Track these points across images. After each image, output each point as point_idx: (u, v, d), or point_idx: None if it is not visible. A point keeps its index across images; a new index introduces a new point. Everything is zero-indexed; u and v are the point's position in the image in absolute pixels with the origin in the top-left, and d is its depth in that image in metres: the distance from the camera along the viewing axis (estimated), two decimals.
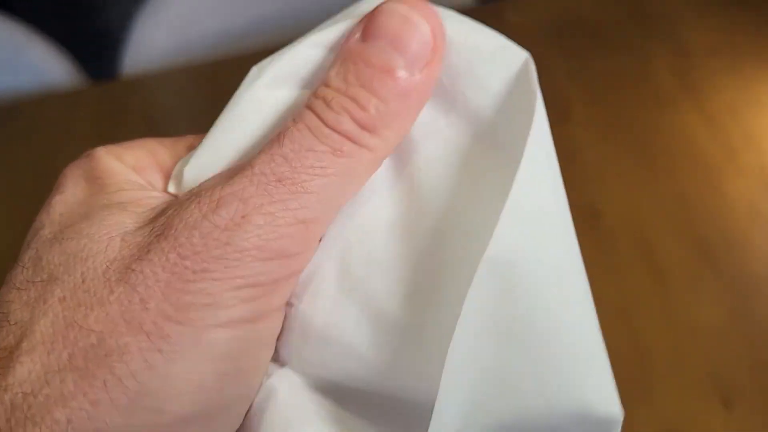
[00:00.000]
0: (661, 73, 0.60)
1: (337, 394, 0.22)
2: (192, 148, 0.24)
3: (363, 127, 0.20)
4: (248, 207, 0.19)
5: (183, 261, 0.18)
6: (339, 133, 0.20)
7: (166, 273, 0.18)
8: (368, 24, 0.21)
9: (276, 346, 0.22)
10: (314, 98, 0.21)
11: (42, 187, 0.26)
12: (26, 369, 0.17)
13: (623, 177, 0.56)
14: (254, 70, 0.24)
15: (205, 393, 0.18)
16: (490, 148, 0.23)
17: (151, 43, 0.65)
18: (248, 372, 0.20)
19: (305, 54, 0.23)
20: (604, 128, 0.59)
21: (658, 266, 0.51)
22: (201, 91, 0.63)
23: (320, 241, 0.22)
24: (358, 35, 0.21)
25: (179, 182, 0.23)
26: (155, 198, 0.22)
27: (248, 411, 0.22)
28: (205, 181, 0.21)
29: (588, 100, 0.60)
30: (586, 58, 0.63)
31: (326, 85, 0.21)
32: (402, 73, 0.20)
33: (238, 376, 0.19)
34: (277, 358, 0.22)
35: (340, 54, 0.21)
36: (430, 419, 0.19)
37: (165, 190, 0.24)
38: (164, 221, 0.19)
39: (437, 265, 0.22)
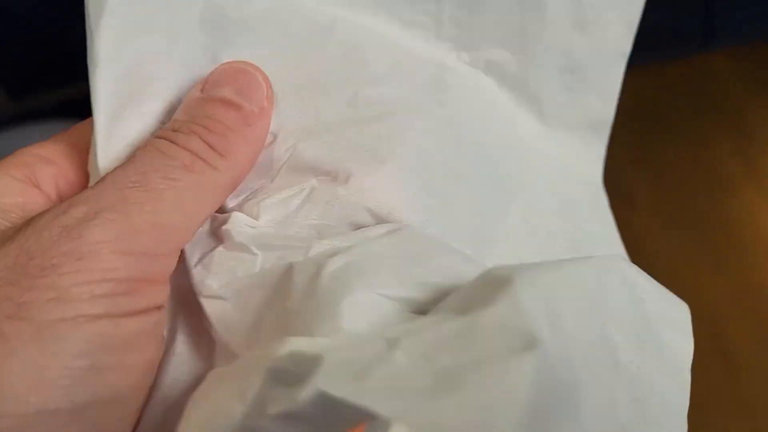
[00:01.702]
0: (725, 157, 0.59)
1: None
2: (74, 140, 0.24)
3: (212, 147, 0.21)
4: (101, 205, 0.19)
5: (30, 260, 0.18)
6: (189, 150, 0.21)
7: (8, 272, 0.18)
8: (207, 78, 0.23)
9: None
10: (162, 130, 0.22)
11: None
12: None
13: (691, 266, 0.54)
14: None
15: (59, 390, 0.18)
16: None
17: None
18: (117, 369, 0.19)
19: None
20: (670, 215, 0.58)
21: (733, 360, 0.48)
22: None
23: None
24: (199, 89, 0.23)
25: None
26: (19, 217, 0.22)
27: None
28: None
29: (653, 188, 0.59)
30: (650, 145, 0.62)
31: (173, 121, 0.22)
32: (245, 105, 0.22)
33: (103, 372, 0.18)
34: None
35: (184, 102, 0.23)
36: None
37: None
38: (17, 228, 0.20)
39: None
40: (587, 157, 0.34)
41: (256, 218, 0.24)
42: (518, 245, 0.28)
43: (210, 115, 0.22)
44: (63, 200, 0.21)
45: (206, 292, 0.23)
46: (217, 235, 0.24)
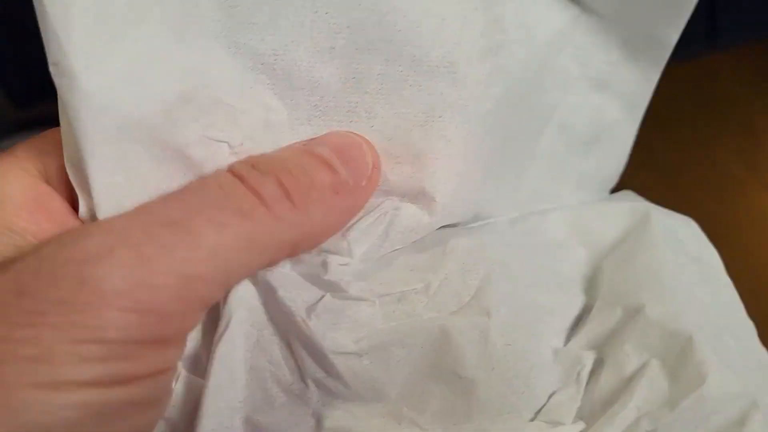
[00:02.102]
0: (730, 158, 0.59)
1: None
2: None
3: (286, 193, 0.18)
4: (121, 241, 0.15)
5: (18, 298, 0.14)
6: (256, 193, 0.18)
7: None
8: (315, 137, 0.21)
9: None
10: (238, 162, 0.19)
11: None
12: None
13: None
14: None
15: None
16: None
17: None
18: None
19: None
20: None
21: None
22: None
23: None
24: (301, 142, 0.21)
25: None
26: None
27: None
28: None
29: (657, 190, 0.59)
30: (654, 147, 0.62)
31: (256, 156, 0.19)
32: (341, 173, 0.20)
33: None
34: None
35: (282, 148, 0.20)
36: None
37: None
38: (23, 253, 0.16)
39: None
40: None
41: (349, 255, 0.22)
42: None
43: (300, 164, 0.19)
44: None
45: (337, 348, 0.21)
46: (313, 280, 0.22)
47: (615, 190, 0.57)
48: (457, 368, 0.22)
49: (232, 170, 0.19)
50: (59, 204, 0.19)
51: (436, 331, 0.22)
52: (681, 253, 0.28)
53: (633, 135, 0.32)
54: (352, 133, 0.21)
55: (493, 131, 0.25)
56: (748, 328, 0.27)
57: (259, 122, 0.21)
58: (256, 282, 0.21)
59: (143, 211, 0.17)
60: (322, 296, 0.21)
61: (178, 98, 0.20)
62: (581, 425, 0.23)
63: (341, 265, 0.22)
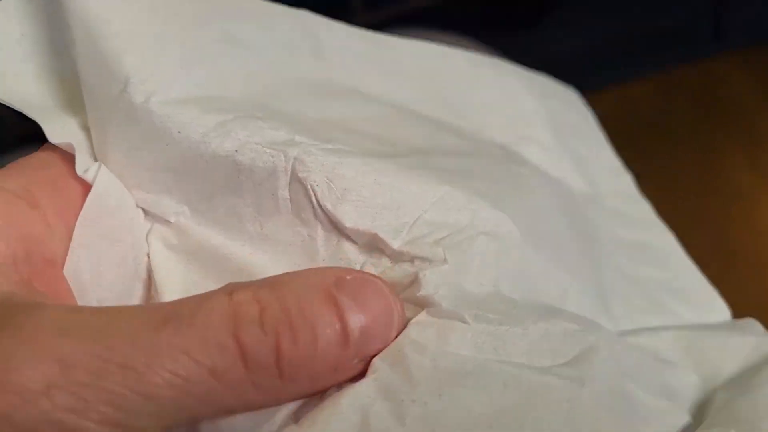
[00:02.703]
0: (735, 164, 0.58)
1: None
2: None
3: (277, 361, 0.16)
4: (60, 379, 0.15)
5: None
6: (244, 349, 0.16)
7: None
8: (354, 284, 0.17)
9: None
10: (242, 290, 0.17)
11: None
12: None
13: (704, 275, 0.53)
14: None
15: None
16: None
17: None
18: None
19: None
20: (680, 225, 0.56)
21: None
22: None
23: None
24: (332, 276, 0.17)
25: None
26: None
27: None
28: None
29: (661, 197, 0.58)
30: (656, 154, 0.61)
31: (266, 288, 0.17)
32: (350, 349, 0.17)
33: None
34: None
35: (313, 274, 0.18)
36: None
37: None
38: None
39: None
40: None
41: (443, 262, 0.20)
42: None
43: (311, 316, 0.16)
44: (69, 229, 0.19)
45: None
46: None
47: None
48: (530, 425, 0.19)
49: (234, 302, 0.16)
50: (43, 228, 0.19)
51: (521, 380, 0.19)
52: None
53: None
54: (392, 295, 0.18)
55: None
56: None
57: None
58: None
59: (103, 338, 0.15)
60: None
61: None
62: None
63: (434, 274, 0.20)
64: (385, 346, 0.17)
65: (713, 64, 0.66)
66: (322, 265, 0.20)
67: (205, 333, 0.15)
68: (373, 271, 0.20)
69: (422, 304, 0.19)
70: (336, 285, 0.17)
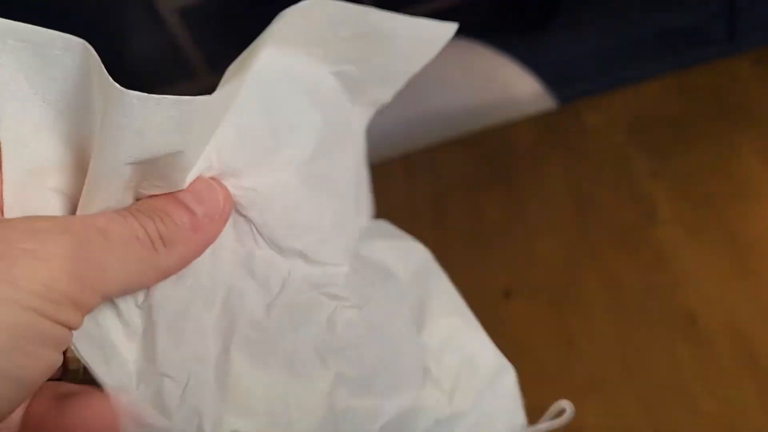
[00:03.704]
0: (750, 164, 0.57)
1: None
2: None
3: (160, 236, 0.26)
4: (68, 227, 0.23)
5: None
6: (143, 228, 0.25)
7: None
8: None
9: None
10: (132, 206, 0.26)
11: None
12: None
13: (718, 277, 0.53)
14: None
15: None
16: None
17: None
18: (38, 360, 0.22)
19: None
20: (694, 226, 0.56)
21: (764, 374, 0.47)
22: None
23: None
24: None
25: None
26: None
27: None
28: None
29: (674, 198, 0.58)
30: (670, 154, 0.61)
31: (144, 202, 0.27)
32: (197, 215, 0.27)
33: (28, 359, 0.22)
34: None
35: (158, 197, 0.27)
36: None
37: None
38: None
39: None
40: None
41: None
42: None
43: (168, 211, 0.26)
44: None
45: None
46: None
47: (627, 201, 0.56)
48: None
49: (133, 209, 0.26)
50: None
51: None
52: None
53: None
54: (208, 178, 0.28)
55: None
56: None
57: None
58: None
59: (82, 214, 0.25)
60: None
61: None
62: (448, 395, 0.33)
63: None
64: (218, 203, 0.27)
65: (728, 64, 0.65)
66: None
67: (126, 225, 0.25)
68: None
69: None
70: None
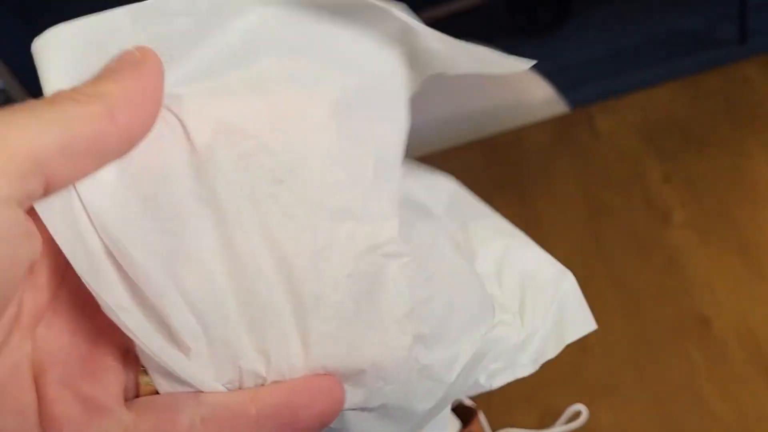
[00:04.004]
0: (761, 167, 0.57)
1: None
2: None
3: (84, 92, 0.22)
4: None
5: None
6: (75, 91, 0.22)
7: None
8: None
9: None
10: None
11: None
12: None
13: (731, 281, 0.53)
14: None
15: None
16: None
17: None
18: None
19: None
20: (706, 230, 0.56)
21: None
22: None
23: None
24: None
25: None
26: None
27: None
28: None
29: (686, 202, 0.58)
30: (681, 158, 0.61)
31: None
32: (113, 70, 0.24)
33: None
34: None
35: None
36: None
37: None
38: None
39: None
40: None
41: None
42: None
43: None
44: None
45: None
46: None
47: (640, 205, 0.56)
48: None
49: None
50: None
51: None
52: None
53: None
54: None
55: None
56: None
57: None
58: None
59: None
60: None
61: None
62: (518, 318, 0.33)
63: None
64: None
65: (739, 67, 0.65)
66: None
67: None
68: None
69: None
70: None
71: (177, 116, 0.24)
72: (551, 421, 0.34)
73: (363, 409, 0.27)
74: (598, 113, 0.66)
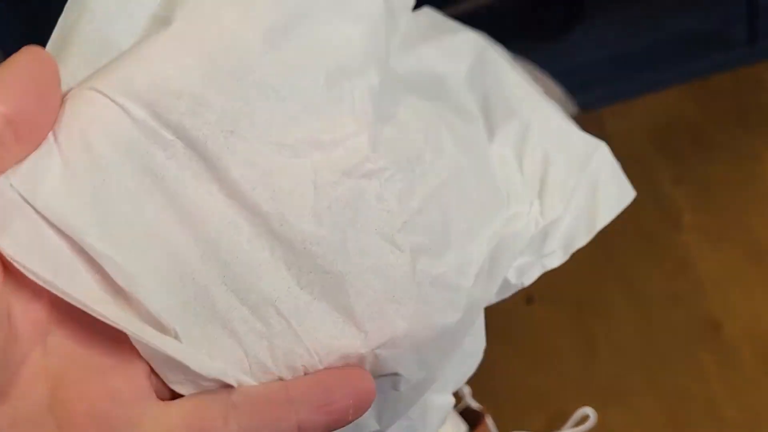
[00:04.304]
0: None
1: None
2: None
3: None
4: None
5: None
6: None
7: None
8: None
9: None
10: None
11: None
12: None
13: (741, 284, 0.52)
14: None
15: None
16: None
17: None
18: None
19: None
20: (717, 233, 0.56)
21: None
22: None
23: None
24: None
25: None
26: None
27: None
28: None
29: (697, 205, 0.58)
30: (692, 161, 0.61)
31: None
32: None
33: None
34: None
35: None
36: None
37: None
38: None
39: None
40: None
41: None
42: None
43: None
44: None
45: None
46: None
47: (650, 209, 0.55)
48: None
49: None
50: None
51: None
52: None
53: None
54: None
55: None
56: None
57: None
58: None
59: None
60: None
61: None
62: (537, 203, 0.30)
63: None
64: None
65: (749, 70, 0.65)
66: None
67: None
68: None
69: None
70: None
71: (104, 93, 0.22)
72: (559, 424, 0.34)
73: (393, 346, 0.25)
74: (608, 116, 0.66)
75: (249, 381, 0.23)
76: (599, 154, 0.32)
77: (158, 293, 0.22)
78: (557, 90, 0.67)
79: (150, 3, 0.24)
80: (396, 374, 0.25)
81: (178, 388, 0.22)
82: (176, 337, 0.22)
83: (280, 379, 0.23)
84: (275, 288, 0.23)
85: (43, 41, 0.23)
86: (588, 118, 0.67)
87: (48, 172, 0.21)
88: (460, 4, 0.67)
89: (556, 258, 0.30)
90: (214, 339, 0.23)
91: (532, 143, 0.31)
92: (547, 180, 0.31)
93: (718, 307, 0.51)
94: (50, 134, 0.22)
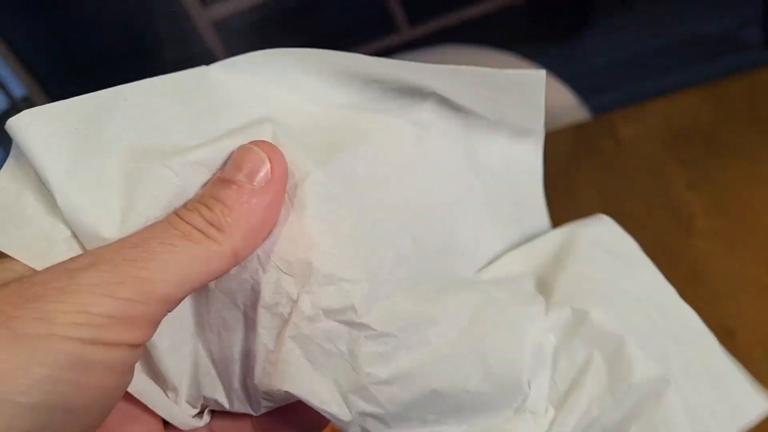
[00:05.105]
0: None
1: None
2: None
3: (210, 223, 0.25)
4: (100, 259, 0.23)
5: (30, 289, 0.22)
6: (189, 224, 0.25)
7: (12, 295, 0.22)
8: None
9: None
10: (178, 208, 0.26)
11: None
12: None
13: (755, 291, 0.52)
14: None
15: (19, 386, 0.21)
16: None
17: None
18: (73, 385, 0.22)
19: None
20: (731, 239, 0.55)
21: None
22: None
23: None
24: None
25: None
26: None
27: None
28: None
29: (711, 210, 0.57)
30: (705, 166, 0.60)
31: (189, 199, 0.26)
32: (244, 184, 0.26)
33: (59, 384, 0.22)
34: None
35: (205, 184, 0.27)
36: None
37: None
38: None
39: None
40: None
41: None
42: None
43: (213, 194, 0.26)
44: None
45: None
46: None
47: (664, 213, 0.55)
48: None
49: (175, 212, 0.26)
50: None
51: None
52: (604, 254, 0.34)
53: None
54: (247, 143, 0.27)
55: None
56: (669, 293, 0.34)
57: None
58: None
59: (117, 242, 0.25)
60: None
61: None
62: (552, 412, 0.27)
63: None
64: (262, 163, 0.26)
65: (764, 73, 0.64)
66: None
67: (169, 225, 0.25)
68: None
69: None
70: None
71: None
72: None
73: None
74: (621, 120, 0.66)
75: None
76: (670, 395, 0.28)
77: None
78: (568, 95, 0.67)
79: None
80: None
81: None
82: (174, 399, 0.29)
83: None
84: None
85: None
86: (600, 123, 0.66)
87: None
88: (470, 9, 0.66)
89: None
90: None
91: (582, 340, 0.28)
92: (575, 390, 0.27)
93: (731, 313, 0.51)
94: None
